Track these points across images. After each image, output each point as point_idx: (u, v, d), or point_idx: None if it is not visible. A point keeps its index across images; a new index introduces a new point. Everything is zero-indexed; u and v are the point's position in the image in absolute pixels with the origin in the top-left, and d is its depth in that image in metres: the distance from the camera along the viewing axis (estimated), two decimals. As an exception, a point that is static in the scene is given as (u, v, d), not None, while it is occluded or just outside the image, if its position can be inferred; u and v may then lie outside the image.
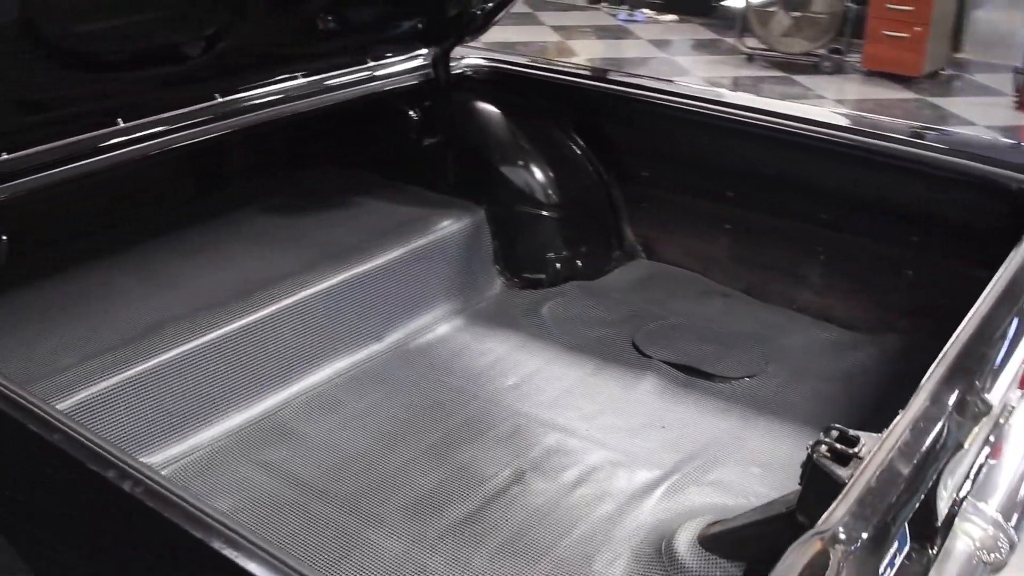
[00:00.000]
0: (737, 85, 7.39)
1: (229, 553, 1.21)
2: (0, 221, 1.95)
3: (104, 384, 2.04)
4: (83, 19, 1.90)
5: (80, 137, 2.06)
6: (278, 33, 2.29)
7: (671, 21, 9.23)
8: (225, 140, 2.41)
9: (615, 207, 2.97)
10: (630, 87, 2.81)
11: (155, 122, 2.19)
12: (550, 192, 2.90)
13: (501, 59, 2.93)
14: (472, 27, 2.75)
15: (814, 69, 7.59)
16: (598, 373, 2.48)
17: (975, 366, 1.75)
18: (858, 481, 1.46)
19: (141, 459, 2.01)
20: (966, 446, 1.69)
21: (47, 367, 2.04)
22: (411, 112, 2.82)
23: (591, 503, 2.03)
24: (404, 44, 2.73)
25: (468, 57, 2.92)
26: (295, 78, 2.48)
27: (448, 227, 2.77)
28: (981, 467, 1.97)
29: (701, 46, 8.51)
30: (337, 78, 2.59)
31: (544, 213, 2.89)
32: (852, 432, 1.66)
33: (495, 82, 2.91)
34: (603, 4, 9.82)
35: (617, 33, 8.99)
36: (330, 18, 2.41)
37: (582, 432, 2.25)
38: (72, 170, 2.06)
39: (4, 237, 1.93)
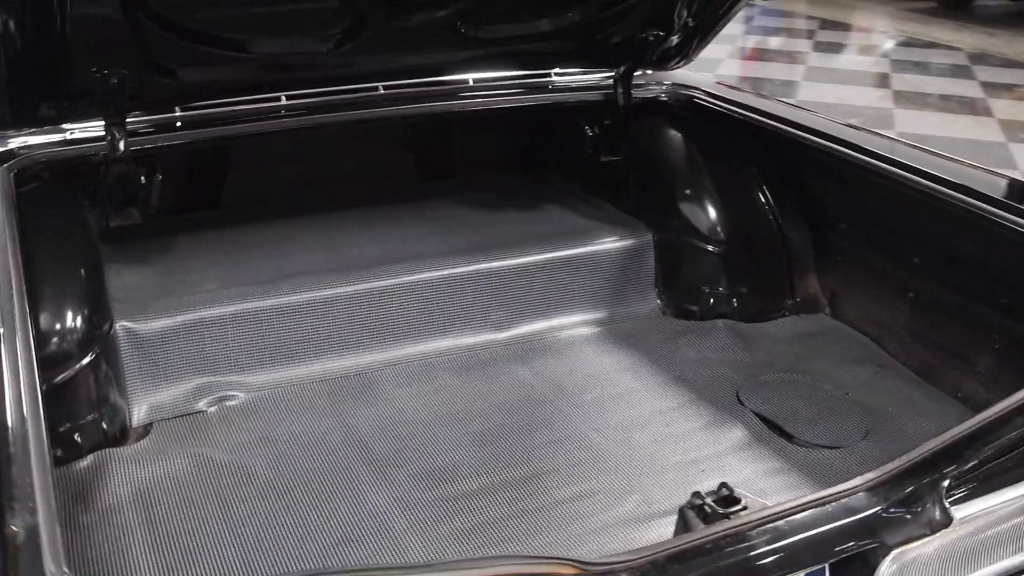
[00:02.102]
0: None
1: None
2: (160, 162, 2.43)
3: (226, 309, 2.44)
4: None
5: (251, 107, 2.50)
6: (458, 32, 2.51)
7: None
8: (405, 127, 2.71)
9: (792, 256, 2.84)
10: (831, 140, 2.63)
11: (322, 103, 2.57)
12: (718, 229, 2.86)
13: (703, 89, 2.92)
14: (655, 53, 2.79)
15: None
16: (682, 408, 2.44)
17: (954, 466, 1.54)
18: (691, 540, 1.41)
19: (232, 377, 2.42)
20: (895, 552, 1.50)
21: (190, 287, 2.49)
22: (589, 128, 2.93)
23: (574, 519, 2.05)
24: (589, 61, 2.85)
25: (668, 82, 2.95)
26: (466, 82, 2.72)
27: (609, 243, 2.85)
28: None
29: None
30: (519, 83, 2.80)
31: (709, 248, 2.85)
32: (738, 493, 1.57)
33: (690, 110, 2.91)
34: (1063, 64, 8.80)
35: (1060, 97, 8.02)
36: (516, 23, 2.60)
37: (621, 456, 2.25)
38: (245, 129, 2.50)
39: (159, 176, 2.40)
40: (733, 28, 10.10)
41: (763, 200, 2.83)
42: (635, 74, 2.85)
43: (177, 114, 2.43)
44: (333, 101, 2.56)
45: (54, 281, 2.19)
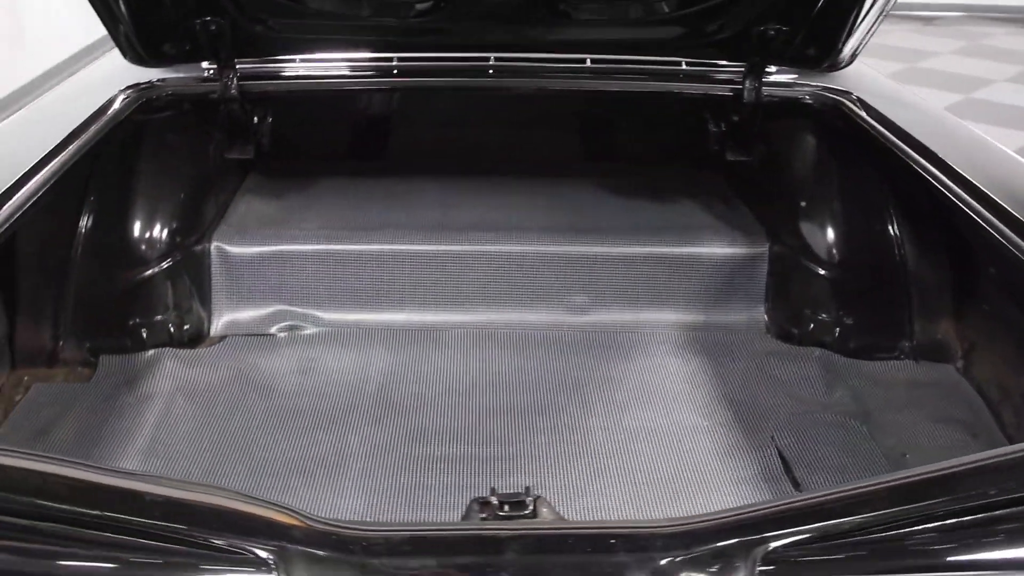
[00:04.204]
0: None
1: None
2: (273, 105, 2.67)
3: (313, 247, 2.66)
4: None
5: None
6: (557, 11, 2.49)
7: None
8: (518, 101, 2.76)
9: (914, 294, 2.50)
10: (973, 192, 2.12)
11: (432, 68, 2.68)
12: (833, 251, 2.61)
13: (856, 97, 2.57)
14: (785, 50, 2.55)
15: None
16: (709, 429, 2.29)
17: (781, 534, 1.36)
18: (439, 528, 1.41)
19: (306, 310, 2.63)
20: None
21: (292, 223, 2.74)
22: (714, 123, 2.76)
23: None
24: (711, 52, 2.66)
25: (817, 84, 2.67)
26: (584, 62, 2.68)
27: (719, 247, 2.70)
28: None
29: None
30: (642, 69, 2.70)
31: (819, 270, 2.61)
32: (532, 500, 1.50)
33: (834, 118, 2.61)
34: None
35: None
36: (648, 10, 2.54)
37: (608, 460, 2.18)
38: (356, 84, 2.70)
39: (271, 118, 2.65)
40: None
41: (889, 229, 2.51)
42: (769, 70, 2.63)
43: (296, 63, 2.66)
44: (442, 67, 2.66)
45: (151, 195, 2.53)
